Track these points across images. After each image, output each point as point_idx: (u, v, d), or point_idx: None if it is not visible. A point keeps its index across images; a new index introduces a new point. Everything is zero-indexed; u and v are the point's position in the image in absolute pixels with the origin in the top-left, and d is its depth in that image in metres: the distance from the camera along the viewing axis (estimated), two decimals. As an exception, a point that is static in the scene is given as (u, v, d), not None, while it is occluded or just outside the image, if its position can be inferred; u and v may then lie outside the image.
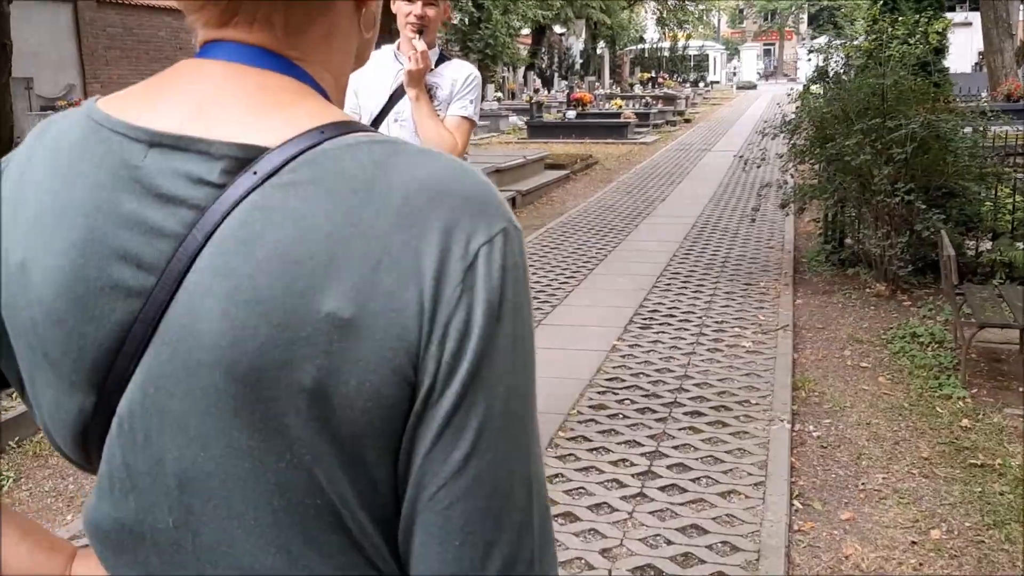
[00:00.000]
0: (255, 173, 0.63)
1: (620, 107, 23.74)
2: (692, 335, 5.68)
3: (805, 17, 71.05)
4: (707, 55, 55.29)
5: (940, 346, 5.50)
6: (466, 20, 30.24)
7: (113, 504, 0.69)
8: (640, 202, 11.46)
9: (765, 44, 74.24)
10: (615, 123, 21.22)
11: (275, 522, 0.64)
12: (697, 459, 3.87)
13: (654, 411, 4.42)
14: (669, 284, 7.02)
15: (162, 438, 0.65)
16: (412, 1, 3.08)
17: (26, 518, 0.80)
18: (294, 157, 0.63)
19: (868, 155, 6.48)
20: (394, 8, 3.11)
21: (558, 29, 43.65)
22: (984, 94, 17.12)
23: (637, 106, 24.58)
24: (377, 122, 3.15)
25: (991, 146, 7.05)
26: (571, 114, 21.96)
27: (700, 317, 6.07)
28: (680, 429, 4.19)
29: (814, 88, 7.25)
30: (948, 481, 3.72)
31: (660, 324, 5.92)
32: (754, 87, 52.44)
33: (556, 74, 39.11)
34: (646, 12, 58.50)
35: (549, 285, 7.08)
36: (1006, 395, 4.65)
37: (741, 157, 7.90)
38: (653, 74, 40.10)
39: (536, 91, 35.17)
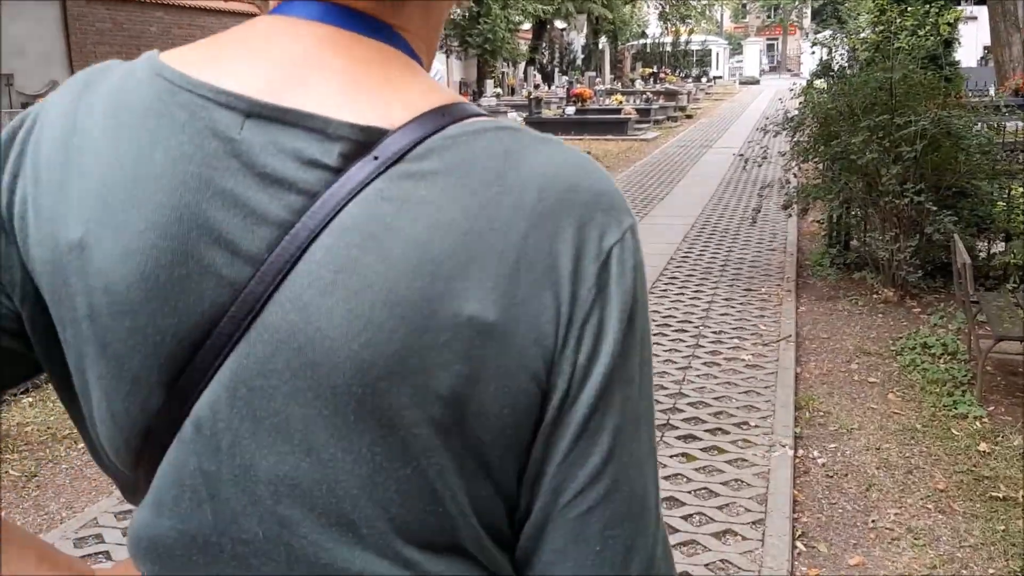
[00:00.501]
0: (376, 158, 0.58)
1: (620, 103, 23.35)
2: (688, 346, 5.32)
3: (808, 12, 70.57)
4: (709, 50, 54.87)
5: (953, 358, 5.14)
6: (465, 15, 29.87)
7: (180, 516, 0.62)
8: (638, 202, 11.09)
9: (768, 39, 73.79)
10: (615, 119, 20.85)
11: (391, 530, 0.60)
12: (690, 492, 3.52)
13: (644, 435, 4.07)
14: (666, 290, 6.67)
15: (255, 443, 0.59)
16: None
17: (41, 541, 0.73)
18: (418, 143, 0.58)
19: (875, 153, 6.12)
20: None
21: (559, 24, 43.31)
22: (992, 89, 16.78)
23: (638, 102, 24.20)
24: None
25: (1002, 143, 6.68)
26: (570, 110, 21.61)
27: (697, 327, 5.71)
28: (672, 456, 3.84)
29: (818, 83, 6.88)
30: (968, 518, 3.36)
31: (655, 335, 5.56)
32: (757, 82, 51.99)
33: (557, 69, 38.71)
34: (648, 7, 58.09)
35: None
36: (1027, 415, 4.30)
37: (742, 155, 7.53)
38: (655, 69, 39.74)
39: (536, 86, 34.82)
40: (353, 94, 0.60)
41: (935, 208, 5.93)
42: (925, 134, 6.02)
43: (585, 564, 0.59)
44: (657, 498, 0.63)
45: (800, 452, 3.93)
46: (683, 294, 6.55)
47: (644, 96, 24.57)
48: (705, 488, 3.54)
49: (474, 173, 0.58)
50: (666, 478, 3.63)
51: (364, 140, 0.58)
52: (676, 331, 5.63)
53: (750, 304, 6.24)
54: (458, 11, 29.94)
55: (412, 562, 0.60)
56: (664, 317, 5.95)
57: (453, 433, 0.58)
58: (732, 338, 5.47)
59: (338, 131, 0.58)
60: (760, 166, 7.21)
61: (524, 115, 21.90)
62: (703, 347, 5.31)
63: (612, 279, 0.59)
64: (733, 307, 6.18)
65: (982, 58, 27.77)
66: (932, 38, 6.76)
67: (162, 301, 0.59)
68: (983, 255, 6.88)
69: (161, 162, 0.59)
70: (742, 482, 3.59)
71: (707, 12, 60.67)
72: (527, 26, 41.61)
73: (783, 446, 3.90)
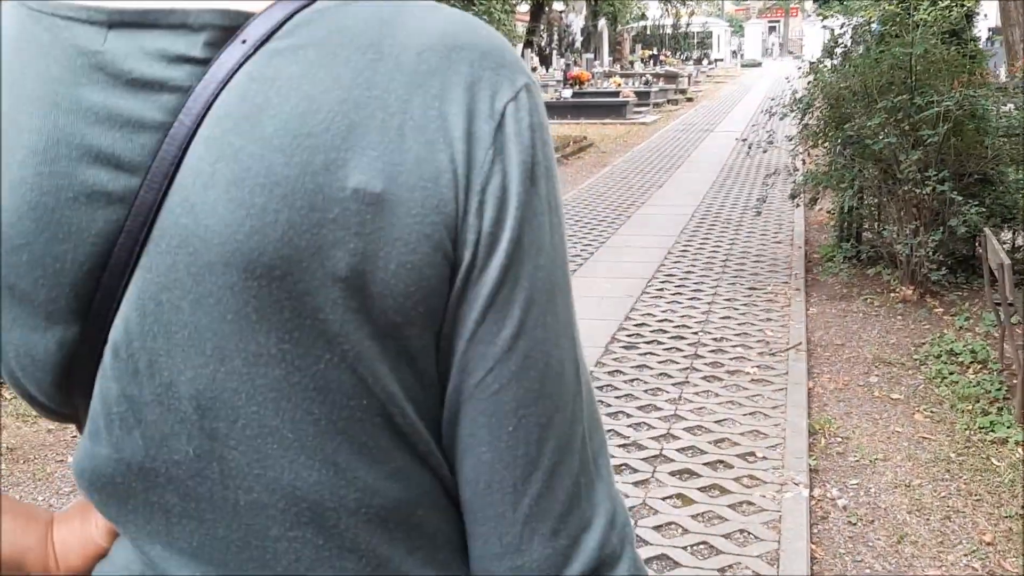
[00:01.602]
0: (244, 42, 0.55)
1: (619, 85, 22.69)
2: (686, 357, 4.73)
3: (811, -8, 69.60)
4: (711, 32, 54.04)
5: (984, 367, 4.56)
6: (460, -4, 29.20)
7: (113, 444, 0.60)
8: (635, 190, 10.49)
9: (770, 21, 72.92)
10: (613, 102, 20.20)
11: (317, 432, 0.56)
12: (686, 548, 2.93)
13: (634, 470, 3.48)
14: (661, 289, 6.07)
15: (171, 360, 0.57)
16: None
17: None
18: (286, 20, 0.56)
19: (893, 137, 5.52)
20: None
21: (558, 6, 42.56)
22: (1001, 70, 16.12)
23: (637, 84, 23.56)
24: None
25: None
26: (567, 93, 20.95)
27: (696, 333, 5.12)
28: (666, 498, 3.25)
29: (827, 62, 6.26)
30: (1022, 581, 2.78)
31: (648, 343, 4.96)
32: (759, 65, 51.20)
33: (555, 52, 37.97)
34: (648, -12, 57.23)
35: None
36: (1078, 441, 3.71)
37: (744, 140, 6.91)
38: (655, 51, 39.02)
39: (534, 69, 34.14)
40: None
41: (960, 198, 5.34)
42: (948, 116, 5.41)
43: (498, 446, 0.56)
44: (579, 371, 0.60)
45: (816, 491, 3.34)
46: (680, 294, 5.95)
47: (643, 79, 23.92)
48: (704, 542, 2.95)
49: (347, 42, 0.55)
50: (656, 528, 3.04)
51: (230, 25, 0.56)
52: (672, 338, 5.03)
53: (755, 305, 5.65)
54: (453, -7, 29.34)
55: (345, 464, 0.57)
56: (659, 321, 5.35)
57: (363, 317, 0.54)
58: (735, 346, 4.87)
59: (200, 20, 0.56)
60: (765, 152, 6.60)
61: (519, 99, 21.27)
62: (702, 357, 4.72)
63: (510, 140, 0.56)
64: (736, 309, 5.58)
65: (988, 39, 27.04)
66: (956, 9, 6.12)
67: (55, 228, 0.56)
68: (1007, 247, 6.30)
69: (31, 89, 0.58)
70: (748, 534, 3.00)
71: (708, -7, 59.79)
72: (525, 8, 40.93)
73: (796, 484, 3.32)
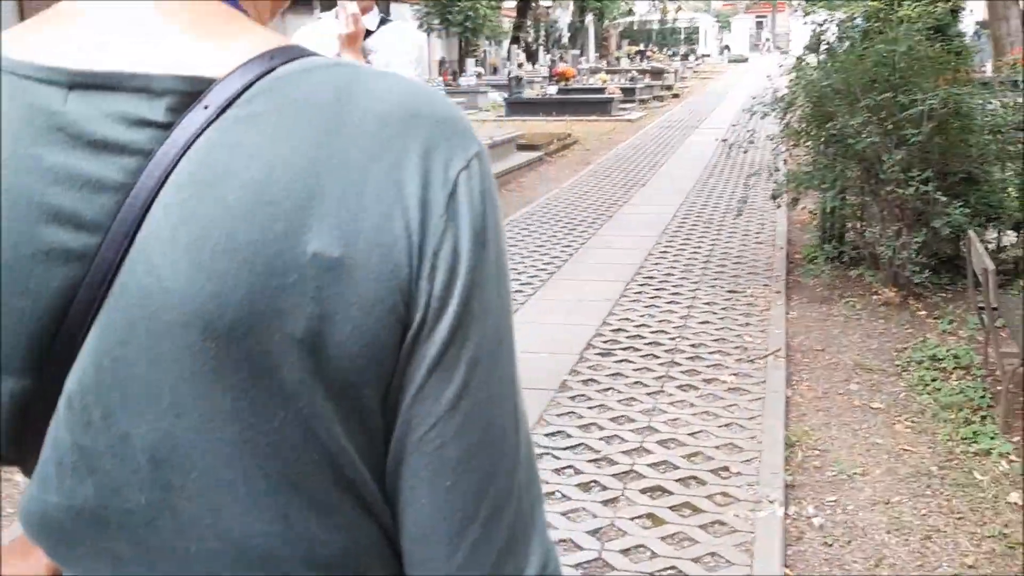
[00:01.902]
0: (206, 107, 0.56)
1: (605, 82, 22.58)
2: (662, 364, 4.59)
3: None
4: (697, 27, 53.96)
5: (967, 374, 4.44)
6: (445, -8, 28.96)
7: (65, 492, 0.61)
8: (618, 188, 10.35)
9: (758, 16, 72.87)
10: (599, 99, 20.08)
11: (269, 486, 0.58)
12: (652, 574, 2.79)
13: (603, 487, 3.33)
14: (640, 293, 5.93)
15: (126, 413, 0.58)
16: None
17: None
18: (248, 87, 0.57)
19: (876, 137, 5.39)
20: None
21: (545, 2, 42.37)
22: (988, 64, 16.02)
23: (623, 81, 23.43)
24: None
25: (1020, 122, 5.94)
26: (552, 90, 20.82)
27: (673, 339, 4.98)
28: (635, 519, 3.10)
29: (810, 59, 6.12)
30: (1005, 607, 2.65)
31: (624, 349, 4.82)
32: (745, 60, 51.14)
33: (542, 48, 37.77)
34: (636, -16, 57.09)
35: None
36: (1063, 453, 3.59)
37: (725, 140, 6.78)
38: (642, 47, 38.92)
39: (520, 65, 33.96)
40: (178, 47, 0.59)
41: (944, 198, 5.21)
42: (933, 115, 5.29)
43: (437, 499, 0.58)
44: (519, 427, 0.62)
45: (792, 509, 3.20)
46: (659, 297, 5.81)
47: (629, 75, 23.76)
48: (673, 567, 2.81)
49: (306, 110, 0.56)
50: (624, 552, 2.90)
51: (192, 91, 0.57)
52: (649, 344, 4.89)
53: (734, 309, 5.51)
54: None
55: (295, 518, 0.58)
56: (637, 327, 5.21)
57: (318, 377, 0.55)
58: (712, 352, 4.74)
59: (163, 85, 0.57)
60: (746, 152, 6.46)
61: (505, 95, 21.10)
62: (679, 365, 4.58)
63: (462, 207, 0.57)
64: (715, 313, 5.45)
65: (975, 32, 26.97)
66: (940, 4, 5.99)
67: (14, 284, 0.57)
68: (992, 247, 6.19)
69: None
70: (719, 557, 2.86)
71: (696, -11, 59.69)
72: (511, 4, 40.72)
73: (771, 502, 3.18)
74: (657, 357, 4.69)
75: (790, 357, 4.72)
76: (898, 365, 4.60)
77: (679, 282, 6.15)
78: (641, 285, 6.10)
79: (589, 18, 44.46)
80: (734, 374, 4.41)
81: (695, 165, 11.74)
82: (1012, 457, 3.58)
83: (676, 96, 25.72)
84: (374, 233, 0.55)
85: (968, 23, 26.65)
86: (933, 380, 4.38)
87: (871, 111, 5.43)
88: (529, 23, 41.71)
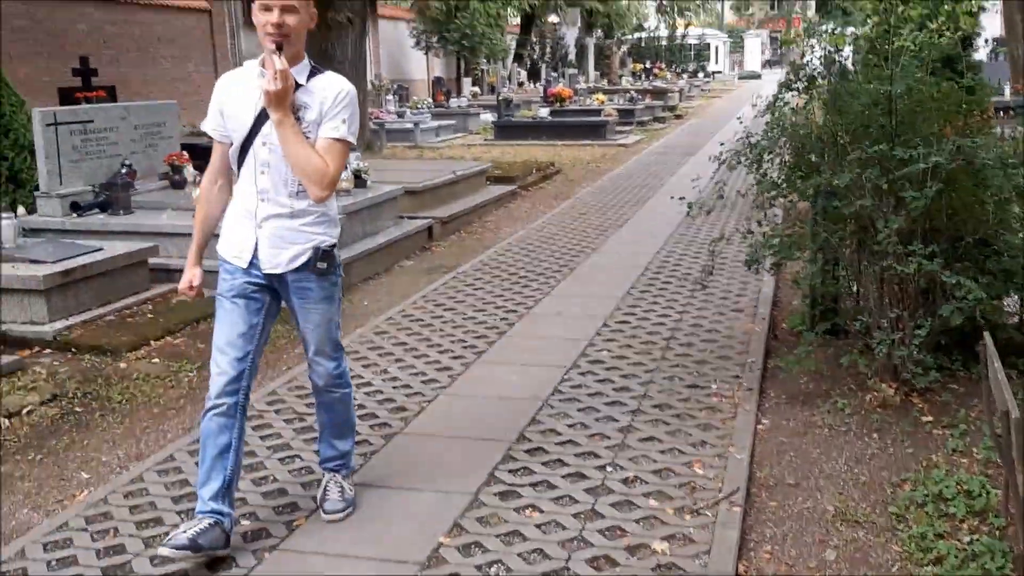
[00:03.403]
0: None
1: (602, 103, 21.49)
2: (576, 516, 3.44)
3: (813, 3, 68.33)
4: (708, 44, 52.81)
5: (982, 522, 3.33)
6: (443, 9, 27.98)
7: None
8: (591, 230, 9.23)
9: (772, 32, 71.67)
10: (593, 122, 19.01)
11: None
12: None
13: None
14: (577, 389, 4.79)
15: None
16: (269, 9, 2.91)
17: None
18: None
19: (868, 200, 4.27)
20: (254, 18, 2.97)
21: (553, 19, 41.33)
22: (1006, 88, 14.83)
23: (621, 101, 22.33)
24: (245, 146, 3.05)
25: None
26: (544, 112, 19.74)
27: (602, 469, 3.83)
28: None
29: (790, 96, 5.00)
30: None
31: (534, 487, 3.68)
32: (758, 77, 49.93)
33: (546, 66, 36.72)
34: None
35: (407, 386, 4.86)
36: None
37: (682, 199, 5.66)
38: (648, 64, 37.84)
39: (520, 84, 32.92)
40: None
41: (953, 279, 4.08)
42: (938, 172, 4.16)
43: None
44: None
45: None
46: (599, 396, 4.67)
47: (628, 95, 22.66)
48: None
49: None
50: None
51: None
52: (568, 478, 3.75)
53: (690, 418, 4.37)
54: (436, 5, 28.07)
55: None
56: (559, 445, 4.07)
57: None
58: (648, 496, 3.58)
59: None
60: (709, 213, 5.34)
61: (494, 118, 20.05)
62: (600, 516, 3.43)
63: None
64: (665, 424, 4.30)
65: (992, 51, 25.71)
66: (947, 34, 4.85)
67: None
68: (1015, 321, 5.07)
69: None
70: None
71: (707, 4, 58.61)
72: (516, 20, 39.71)
73: None
74: (575, 500, 3.55)
75: (752, 501, 3.58)
76: (893, 513, 3.46)
77: (630, 371, 5.02)
78: (582, 374, 4.97)
79: (599, 35, 43.42)
80: (668, 538, 3.26)
81: (681, 202, 10.58)
82: None
83: (679, 117, 24.59)
84: None
85: (982, 46, 25.32)
86: (939, 538, 3.24)
87: (863, 166, 4.32)
88: (534, 40, 40.73)
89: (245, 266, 3.11)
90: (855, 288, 5.12)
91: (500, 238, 9.03)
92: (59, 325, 5.83)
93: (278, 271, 3.11)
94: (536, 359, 5.24)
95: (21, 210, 7.65)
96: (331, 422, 3.46)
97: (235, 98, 3.06)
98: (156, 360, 5.54)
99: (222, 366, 3.10)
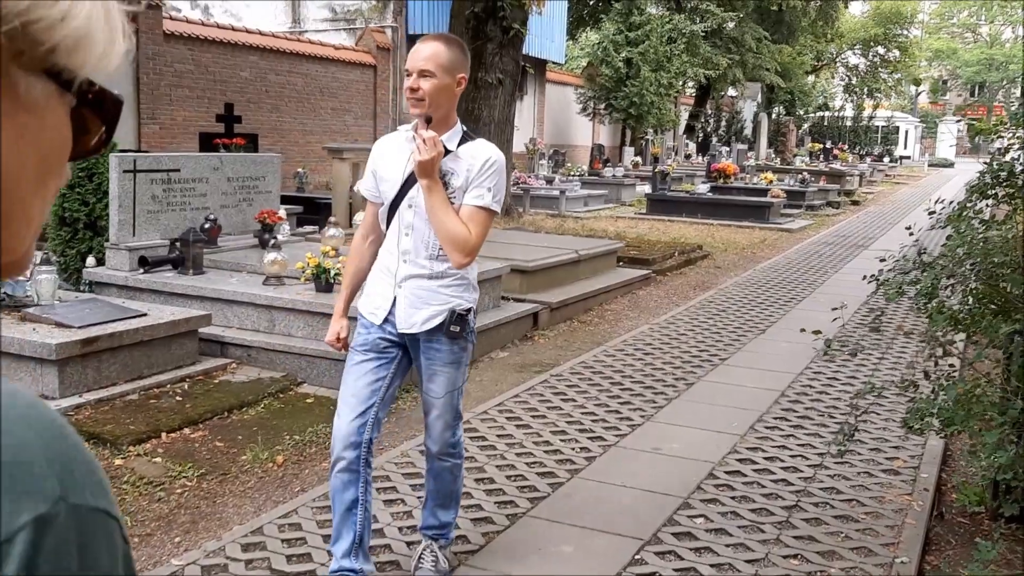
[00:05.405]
0: None
1: (770, 182, 19.91)
2: None
3: (1019, 91, 63.71)
4: (897, 127, 49.79)
5: None
6: (612, 76, 27.23)
7: None
8: (725, 333, 7.85)
9: (970, 119, 67.30)
10: (757, 202, 17.48)
11: None
12: None
13: None
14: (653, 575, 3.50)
15: None
16: (410, 74, 2.99)
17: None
18: None
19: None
20: None
21: (732, 92, 39.95)
22: None
23: (792, 182, 20.67)
24: (392, 207, 3.14)
25: None
26: (703, 188, 18.40)
27: None
28: None
29: (983, 205, 3.60)
30: None
31: None
32: (951, 165, 46.53)
33: (718, 140, 35.27)
34: (835, 78, 53.59)
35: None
36: None
37: (817, 334, 4.30)
38: (827, 144, 35.72)
39: (687, 156, 31.65)
40: None
41: None
42: None
43: None
44: None
45: None
46: (673, 598, 3.35)
47: (800, 176, 20.97)
48: None
49: None
50: None
51: None
52: None
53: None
54: (607, 72, 27.36)
55: None
56: None
57: None
58: None
59: None
60: (855, 356, 3.95)
61: (649, 191, 18.89)
62: None
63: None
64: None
65: None
66: None
67: None
68: None
69: None
70: None
71: (899, 86, 55.56)
72: (691, 91, 38.52)
73: None
74: None
75: None
76: None
77: (724, 557, 3.68)
78: (663, 554, 3.67)
79: (779, 111, 41.60)
80: None
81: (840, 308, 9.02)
82: None
83: (856, 203, 22.63)
84: None
85: None
86: None
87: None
88: (709, 112, 39.38)
89: (380, 322, 3.16)
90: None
91: (616, 333, 7.79)
92: (67, 403, 5.04)
93: (412, 331, 3.15)
94: (603, 523, 3.97)
95: (91, 261, 7.08)
96: (437, 490, 3.43)
97: (388, 161, 3.17)
98: (159, 459, 4.63)
99: (344, 418, 3.13)
